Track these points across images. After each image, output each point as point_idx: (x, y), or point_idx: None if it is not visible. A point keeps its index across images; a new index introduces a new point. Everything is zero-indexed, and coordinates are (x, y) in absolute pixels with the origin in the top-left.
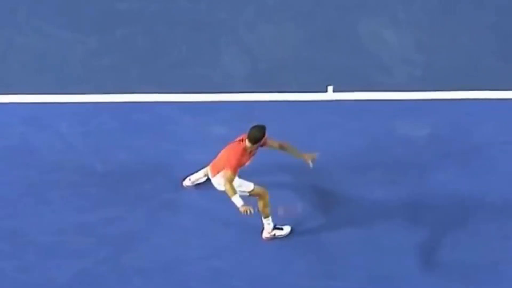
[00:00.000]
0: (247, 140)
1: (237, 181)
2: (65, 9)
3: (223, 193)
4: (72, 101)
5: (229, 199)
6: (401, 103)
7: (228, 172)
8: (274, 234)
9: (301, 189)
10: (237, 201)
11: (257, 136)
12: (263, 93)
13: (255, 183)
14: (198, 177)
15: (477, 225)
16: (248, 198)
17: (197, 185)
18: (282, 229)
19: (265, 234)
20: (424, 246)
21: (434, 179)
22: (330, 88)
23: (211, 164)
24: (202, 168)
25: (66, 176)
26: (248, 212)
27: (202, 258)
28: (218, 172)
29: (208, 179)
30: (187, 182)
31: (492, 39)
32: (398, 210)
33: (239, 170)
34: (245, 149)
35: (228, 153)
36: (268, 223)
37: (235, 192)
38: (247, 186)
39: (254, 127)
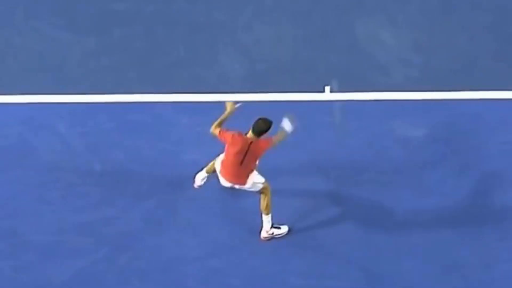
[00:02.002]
0: (250, 132)
1: (255, 171)
2: (63, 9)
3: (237, 191)
4: (70, 101)
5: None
6: (398, 103)
7: (274, 141)
8: (273, 233)
9: (298, 188)
10: (289, 126)
11: (263, 128)
12: (261, 94)
13: None
14: (202, 176)
15: (475, 226)
16: (254, 195)
17: (193, 185)
18: (279, 228)
19: (264, 234)
20: (421, 246)
21: (431, 179)
22: (327, 88)
23: (230, 176)
24: (202, 168)
25: (64, 176)
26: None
27: (200, 257)
28: (248, 177)
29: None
30: (198, 183)
31: (489, 39)
32: (396, 210)
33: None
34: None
35: (256, 154)
36: (268, 221)
37: (286, 132)
38: (261, 177)
39: (260, 119)
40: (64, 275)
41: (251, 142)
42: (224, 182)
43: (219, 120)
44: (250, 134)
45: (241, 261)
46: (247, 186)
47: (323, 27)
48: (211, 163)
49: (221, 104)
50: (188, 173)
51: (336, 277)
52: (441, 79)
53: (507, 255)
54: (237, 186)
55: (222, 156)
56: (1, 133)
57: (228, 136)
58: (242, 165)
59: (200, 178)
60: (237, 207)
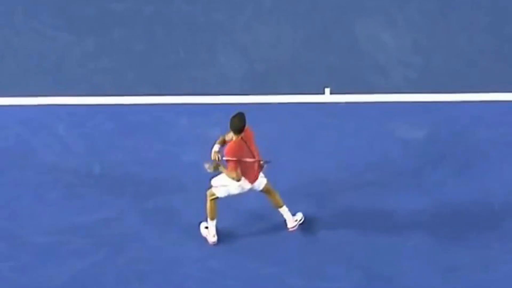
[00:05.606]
0: (233, 135)
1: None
2: (62, 10)
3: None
4: (69, 102)
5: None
6: (398, 105)
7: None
8: (296, 220)
9: (298, 189)
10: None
11: (240, 125)
12: (260, 95)
13: None
14: (213, 228)
15: (475, 226)
16: (252, 196)
17: (193, 186)
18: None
19: (291, 224)
20: (421, 246)
21: (431, 179)
22: (327, 90)
23: (254, 176)
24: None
25: (63, 177)
26: None
27: (199, 259)
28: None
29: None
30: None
31: (489, 40)
32: (396, 210)
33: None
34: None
35: (252, 140)
36: (287, 211)
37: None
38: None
39: (233, 118)
40: (63, 276)
41: (241, 138)
42: (248, 185)
43: (232, 171)
44: (235, 136)
45: (240, 262)
46: (259, 180)
47: (322, 27)
48: (208, 209)
49: (221, 105)
50: (188, 175)
51: (336, 278)
52: (440, 80)
53: (507, 256)
54: (259, 181)
55: (222, 181)
56: (0, 134)
57: (234, 156)
58: (253, 145)
59: (213, 234)
60: (236, 208)
